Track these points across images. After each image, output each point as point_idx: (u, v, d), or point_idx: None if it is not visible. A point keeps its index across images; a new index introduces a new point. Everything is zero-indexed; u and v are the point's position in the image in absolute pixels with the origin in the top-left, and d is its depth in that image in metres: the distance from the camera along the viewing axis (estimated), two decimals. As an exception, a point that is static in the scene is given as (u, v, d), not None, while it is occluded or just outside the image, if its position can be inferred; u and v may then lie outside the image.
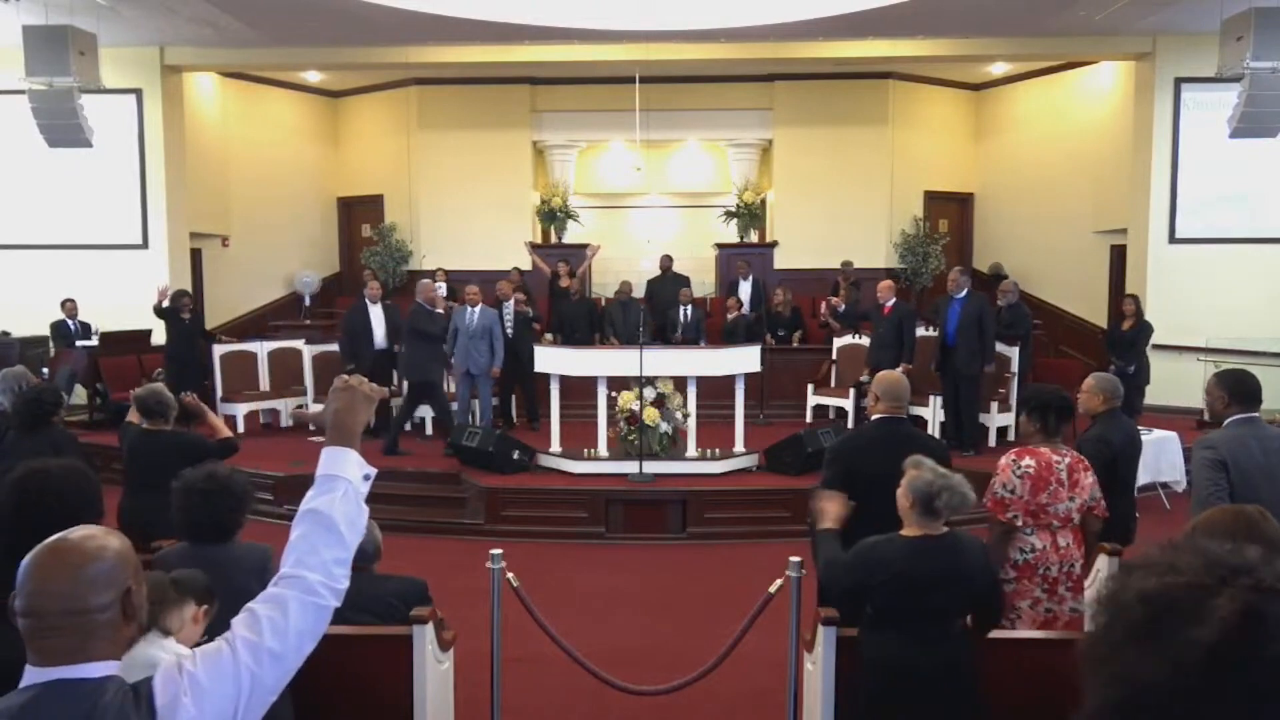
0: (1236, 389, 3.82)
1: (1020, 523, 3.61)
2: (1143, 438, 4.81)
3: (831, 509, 3.32)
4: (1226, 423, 3.80)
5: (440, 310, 8.97)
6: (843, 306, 10.78)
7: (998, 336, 8.94)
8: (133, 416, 4.90)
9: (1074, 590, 3.66)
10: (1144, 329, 9.08)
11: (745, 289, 11.82)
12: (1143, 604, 0.95)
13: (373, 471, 1.72)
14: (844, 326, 10.48)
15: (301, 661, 1.56)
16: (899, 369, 8.11)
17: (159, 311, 9.77)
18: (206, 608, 2.57)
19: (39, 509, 2.59)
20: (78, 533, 1.52)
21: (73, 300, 10.64)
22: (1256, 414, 3.82)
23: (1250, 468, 3.62)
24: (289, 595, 1.56)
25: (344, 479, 1.66)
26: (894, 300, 9.06)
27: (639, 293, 11.66)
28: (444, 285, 11.08)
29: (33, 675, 1.43)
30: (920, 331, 9.24)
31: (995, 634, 3.17)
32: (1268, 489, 3.53)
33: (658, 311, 11.02)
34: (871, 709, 2.99)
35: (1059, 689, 3.04)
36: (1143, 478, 6.29)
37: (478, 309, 9.16)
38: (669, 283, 11.61)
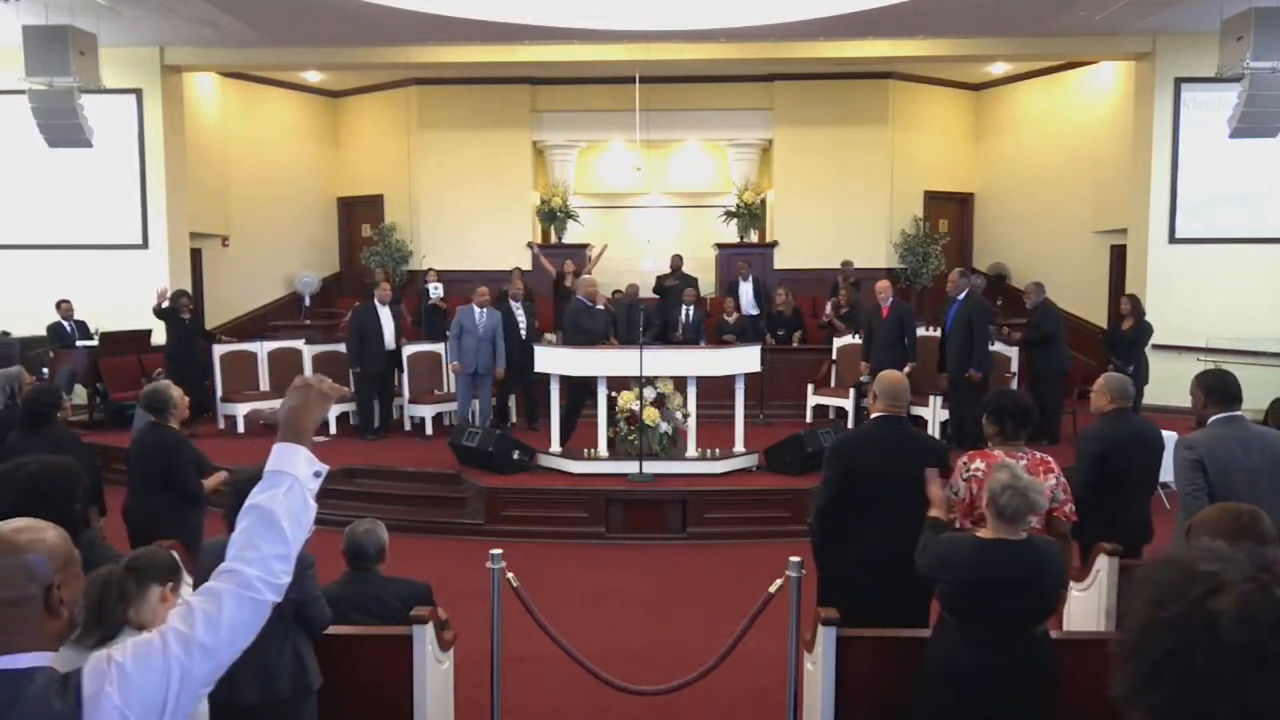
0: (1214, 389, 3.82)
1: (959, 524, 3.52)
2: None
3: (937, 494, 3.33)
4: (1209, 423, 3.80)
5: (601, 306, 8.90)
6: (844, 309, 10.79)
7: (1028, 340, 8.90)
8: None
9: None
10: (1144, 329, 9.05)
11: (746, 289, 11.83)
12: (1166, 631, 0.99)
13: (324, 469, 1.72)
14: (846, 326, 10.49)
15: (235, 655, 1.56)
16: (904, 369, 8.11)
17: (159, 312, 9.77)
18: (172, 584, 2.57)
19: (20, 505, 2.60)
20: (11, 524, 1.54)
21: (68, 301, 10.61)
22: (1239, 413, 3.81)
23: (1231, 467, 3.61)
24: (224, 589, 1.56)
25: (290, 475, 1.66)
26: (892, 300, 9.03)
27: (646, 292, 11.69)
28: (440, 285, 11.07)
29: None
30: (921, 331, 9.23)
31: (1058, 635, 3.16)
32: (1247, 488, 3.52)
33: (665, 310, 11.07)
34: (935, 709, 2.95)
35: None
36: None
37: (485, 310, 9.18)
38: (676, 282, 11.62)
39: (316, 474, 1.70)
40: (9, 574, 1.48)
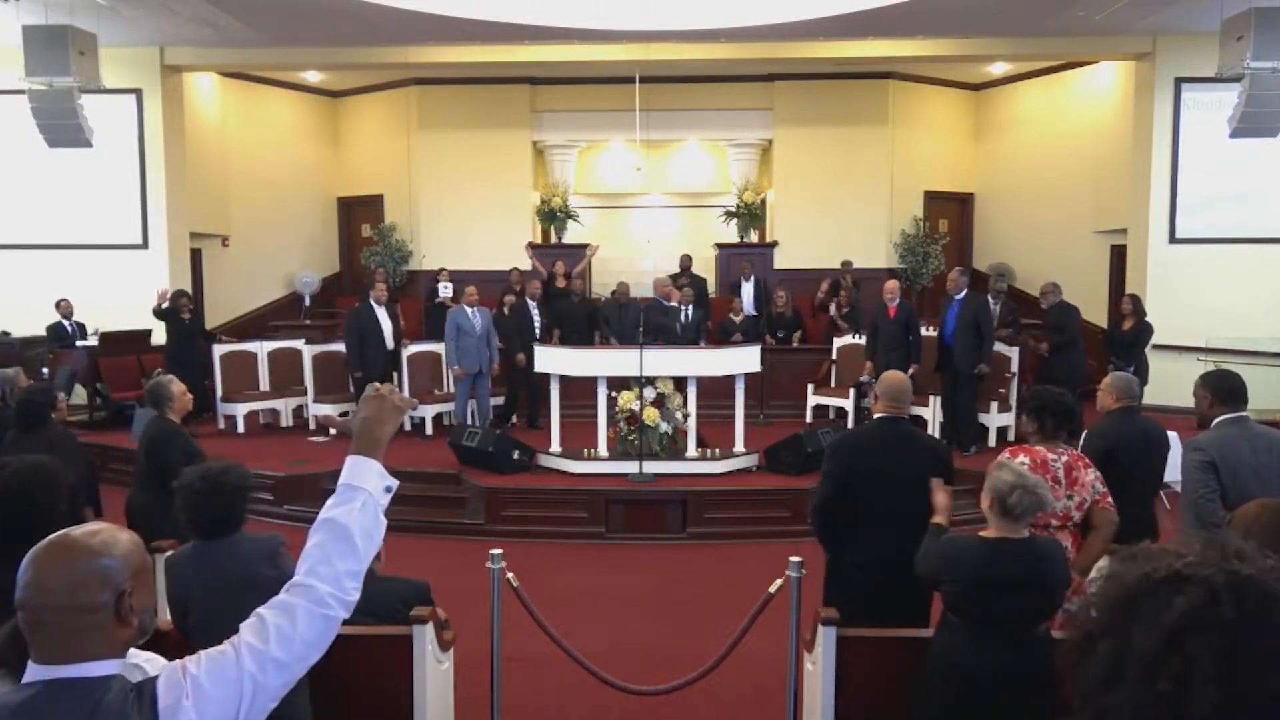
0: (1220, 389, 3.80)
1: None
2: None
3: (943, 501, 3.34)
4: (1215, 423, 3.78)
5: (675, 304, 8.84)
6: (845, 309, 10.79)
7: (1056, 345, 8.88)
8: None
9: (1074, 592, 3.65)
10: (1144, 329, 9.07)
11: (747, 289, 11.83)
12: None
13: (394, 484, 1.71)
14: (847, 326, 10.49)
15: (305, 670, 1.56)
16: (908, 370, 8.11)
17: (159, 313, 9.77)
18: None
19: (3, 506, 2.62)
20: (85, 528, 1.51)
21: (67, 300, 10.61)
22: (1244, 413, 3.80)
23: (1240, 468, 3.60)
24: (298, 604, 1.55)
25: (364, 490, 1.65)
26: (899, 301, 9.00)
27: (648, 291, 11.68)
28: (450, 285, 11.05)
29: (35, 672, 1.43)
30: (924, 331, 9.23)
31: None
32: (1258, 489, 3.52)
33: (670, 311, 11.06)
34: (939, 710, 2.95)
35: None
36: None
37: (476, 310, 9.20)
38: (688, 282, 11.61)
39: (388, 489, 1.69)
40: (84, 579, 1.45)
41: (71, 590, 1.43)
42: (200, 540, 3.05)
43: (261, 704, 1.49)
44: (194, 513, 3.02)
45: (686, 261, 12.08)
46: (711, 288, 13.16)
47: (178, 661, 1.50)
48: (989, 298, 9.45)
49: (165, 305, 9.74)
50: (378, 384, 1.79)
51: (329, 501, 1.65)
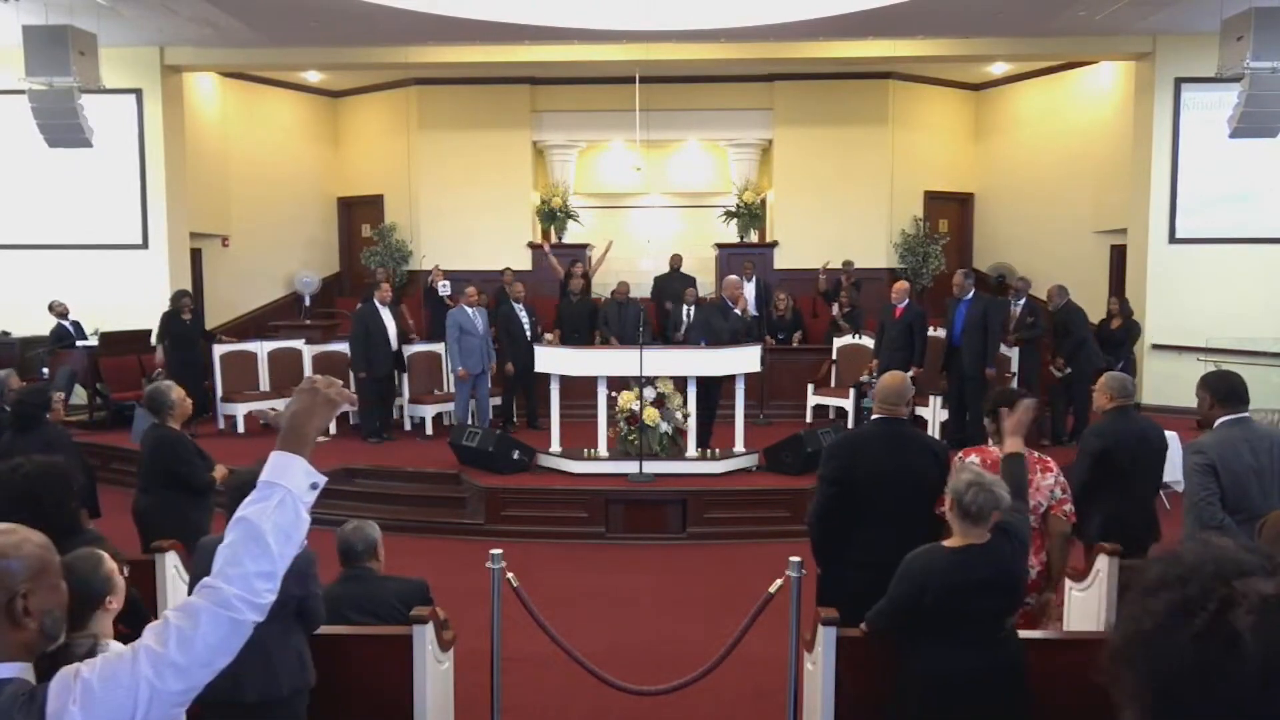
0: (1220, 390, 3.79)
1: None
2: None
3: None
4: (1216, 424, 3.77)
5: (739, 311, 8.73)
6: (847, 309, 10.78)
7: (1068, 352, 8.88)
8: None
9: (1028, 589, 3.63)
10: (1132, 328, 9.28)
11: (749, 289, 11.81)
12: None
13: (321, 480, 1.61)
14: (848, 326, 10.49)
15: (211, 676, 1.49)
16: (909, 372, 8.10)
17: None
18: (110, 596, 2.48)
19: (15, 507, 2.60)
20: None
21: (62, 302, 10.58)
22: (1246, 414, 3.79)
23: (1240, 470, 3.60)
24: (202, 607, 1.48)
25: (283, 487, 1.56)
26: (907, 302, 8.85)
27: (645, 291, 11.68)
28: (447, 284, 11.04)
29: None
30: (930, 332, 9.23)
31: (1034, 635, 3.18)
32: (1259, 491, 3.52)
33: (661, 309, 11.06)
34: (912, 716, 2.96)
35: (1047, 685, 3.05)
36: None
37: (477, 310, 9.20)
38: (675, 281, 11.61)
39: (314, 486, 1.59)
40: None
41: None
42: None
43: (160, 709, 1.43)
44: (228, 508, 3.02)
45: (676, 261, 12.05)
46: (712, 288, 13.16)
47: (73, 665, 1.46)
48: (1009, 298, 9.44)
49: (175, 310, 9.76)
50: (315, 376, 1.71)
51: (247, 498, 1.57)
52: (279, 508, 1.55)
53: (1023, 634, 3.15)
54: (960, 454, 3.71)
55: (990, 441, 3.79)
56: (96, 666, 1.43)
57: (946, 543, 2.98)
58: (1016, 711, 2.89)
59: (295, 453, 1.59)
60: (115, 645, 2.10)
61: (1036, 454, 3.72)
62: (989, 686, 2.84)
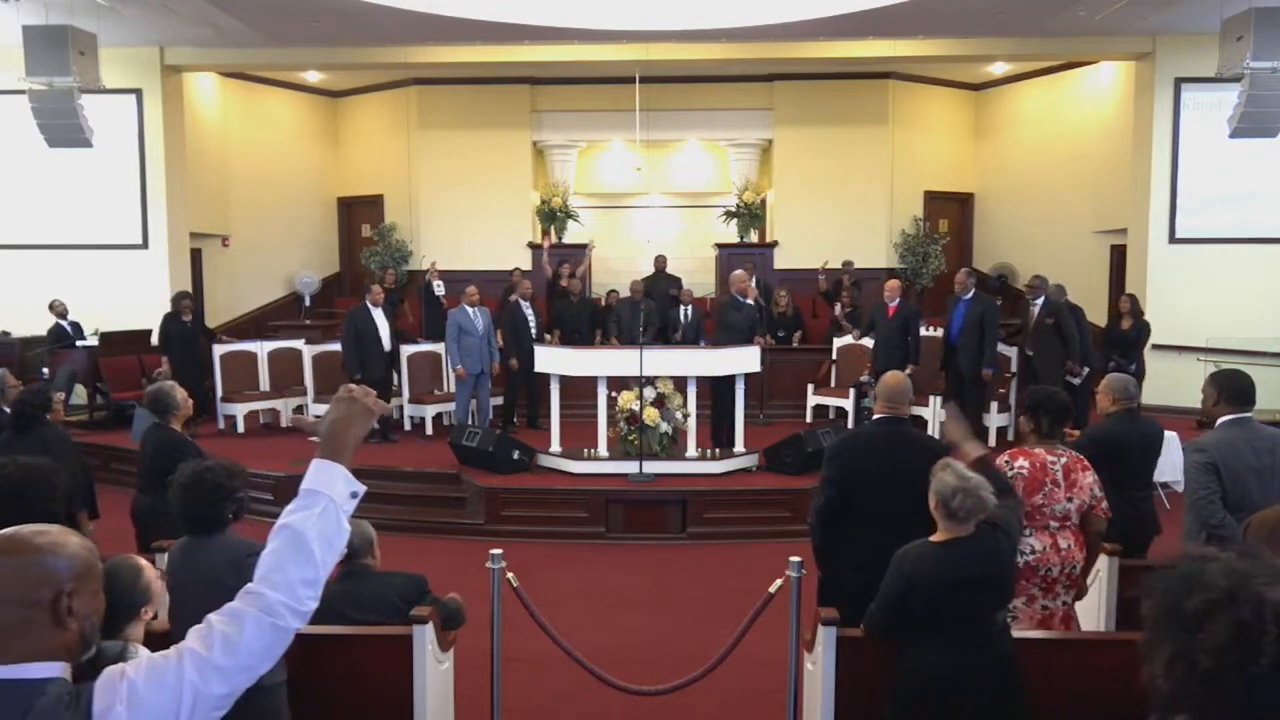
0: (1227, 388, 3.79)
1: None
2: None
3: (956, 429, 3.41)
4: (1218, 424, 3.77)
5: (750, 302, 8.73)
6: (848, 309, 10.79)
7: (1082, 354, 8.87)
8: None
9: (1070, 588, 3.67)
10: (1143, 328, 9.12)
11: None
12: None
13: (361, 489, 1.64)
14: (849, 326, 10.49)
15: (252, 681, 1.51)
16: (905, 371, 8.10)
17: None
18: (146, 608, 2.48)
19: None
20: (34, 528, 1.49)
21: (61, 301, 10.58)
22: (1248, 414, 3.79)
23: (1241, 470, 3.59)
24: (247, 612, 1.51)
25: (326, 495, 1.59)
26: (899, 300, 9.00)
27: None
28: (442, 284, 11.06)
29: None
30: (926, 331, 9.23)
31: (1030, 635, 3.18)
32: (1259, 491, 3.51)
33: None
34: (906, 715, 2.96)
35: (1066, 687, 3.05)
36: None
37: (477, 309, 9.19)
38: (660, 281, 11.61)
39: (354, 494, 1.63)
40: (23, 574, 1.42)
41: (7, 583, 1.41)
42: (190, 536, 3.09)
43: (203, 713, 1.45)
44: (186, 508, 3.05)
45: (661, 262, 12.01)
46: (711, 288, 13.16)
47: (118, 665, 1.47)
48: (1027, 298, 9.32)
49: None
50: (351, 385, 1.74)
51: (289, 506, 1.60)
52: (322, 516, 1.58)
53: (1018, 634, 3.16)
54: (1006, 455, 3.72)
55: (1030, 441, 3.82)
56: (142, 667, 1.45)
57: (933, 537, 2.99)
58: (1008, 711, 2.89)
59: (337, 461, 1.63)
60: (144, 651, 2.11)
61: (1075, 453, 3.76)
62: (979, 684, 2.85)
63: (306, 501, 1.59)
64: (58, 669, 1.44)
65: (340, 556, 1.63)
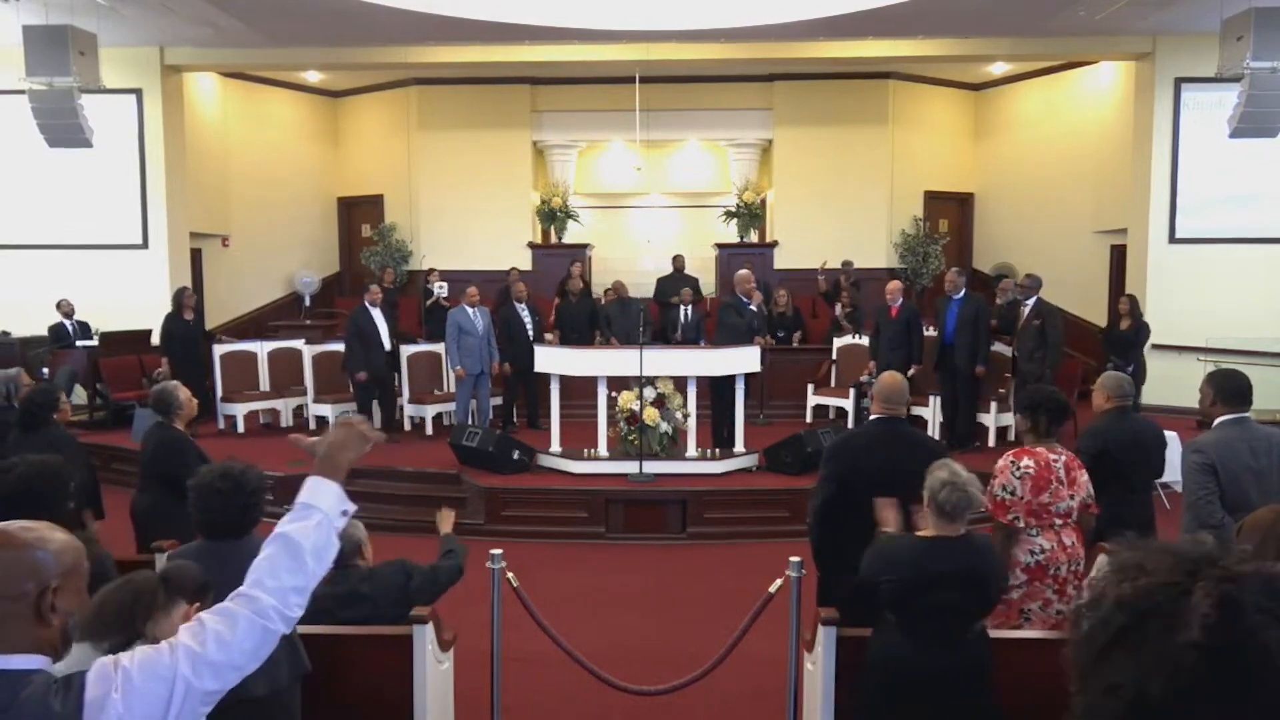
0: (1224, 388, 3.79)
1: (1022, 524, 3.62)
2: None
3: (890, 516, 3.38)
4: (1215, 424, 3.77)
5: (755, 308, 8.70)
6: (848, 309, 10.78)
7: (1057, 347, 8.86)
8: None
9: (1078, 586, 3.68)
10: (1142, 329, 9.11)
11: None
12: (1121, 610, 0.95)
13: (351, 508, 1.75)
14: (850, 326, 10.49)
15: (238, 679, 1.56)
16: (909, 371, 8.14)
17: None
18: (199, 605, 2.51)
19: (11, 506, 2.60)
20: (20, 524, 1.52)
21: (68, 300, 10.60)
22: (1246, 414, 3.79)
23: (1239, 470, 3.59)
24: (240, 613, 1.57)
25: (321, 510, 1.68)
26: (901, 301, 8.98)
27: (647, 291, 11.67)
28: (445, 285, 11.06)
29: None
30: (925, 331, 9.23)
31: (1008, 635, 3.17)
32: (1257, 491, 3.51)
33: (663, 310, 11.07)
34: (876, 709, 2.97)
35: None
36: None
37: (477, 309, 9.20)
38: (678, 281, 11.62)
39: (344, 512, 1.73)
40: (7, 567, 1.45)
41: None
42: (209, 540, 3.03)
43: (192, 706, 1.49)
44: (211, 512, 2.99)
45: (680, 262, 12.05)
46: (712, 288, 13.17)
47: (111, 655, 1.51)
48: (1018, 297, 9.29)
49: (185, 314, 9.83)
50: (350, 415, 1.90)
51: (285, 517, 1.68)
52: (316, 529, 1.67)
53: (994, 633, 3.14)
54: (1011, 455, 3.74)
55: (1027, 439, 3.85)
56: (136, 658, 1.48)
57: (920, 532, 3.01)
58: (973, 713, 2.89)
59: (331, 479, 1.73)
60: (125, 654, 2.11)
61: (1071, 453, 3.80)
62: (944, 684, 2.85)
63: (303, 514, 1.68)
64: (41, 661, 1.46)
65: (328, 568, 1.70)
